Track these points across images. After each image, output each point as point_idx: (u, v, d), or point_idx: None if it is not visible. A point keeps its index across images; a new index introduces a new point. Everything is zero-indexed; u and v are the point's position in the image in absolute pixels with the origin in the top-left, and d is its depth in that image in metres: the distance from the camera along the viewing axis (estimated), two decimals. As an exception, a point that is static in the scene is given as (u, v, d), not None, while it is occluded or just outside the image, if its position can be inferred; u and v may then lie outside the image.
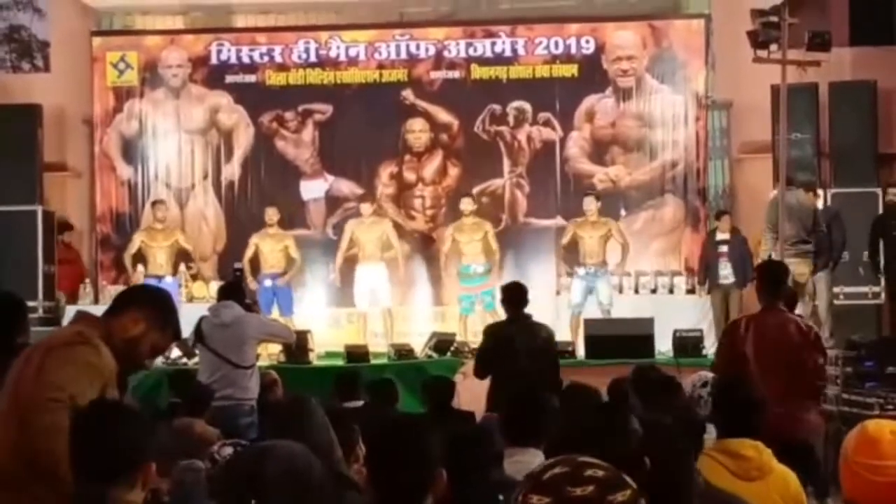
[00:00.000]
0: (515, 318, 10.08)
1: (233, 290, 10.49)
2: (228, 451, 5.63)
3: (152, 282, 15.03)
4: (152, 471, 3.73)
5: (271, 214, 15.91)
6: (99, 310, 15.30)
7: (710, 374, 7.97)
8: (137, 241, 16.03)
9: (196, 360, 11.18)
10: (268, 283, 15.63)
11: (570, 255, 15.58)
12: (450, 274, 15.99)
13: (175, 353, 13.35)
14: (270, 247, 15.80)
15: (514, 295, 10.13)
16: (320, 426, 4.42)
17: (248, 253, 15.88)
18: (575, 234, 15.50)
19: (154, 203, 16.40)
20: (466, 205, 15.81)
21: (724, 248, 15.42)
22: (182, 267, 15.86)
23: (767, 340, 8.23)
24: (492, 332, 10.36)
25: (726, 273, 15.32)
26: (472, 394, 10.88)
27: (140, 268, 15.85)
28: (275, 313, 15.57)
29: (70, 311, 15.46)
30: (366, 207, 16.02)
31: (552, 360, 10.08)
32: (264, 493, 2.71)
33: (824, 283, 14.35)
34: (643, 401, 6.81)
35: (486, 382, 10.16)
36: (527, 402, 5.54)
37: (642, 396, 6.90)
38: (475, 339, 14.30)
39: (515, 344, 9.80)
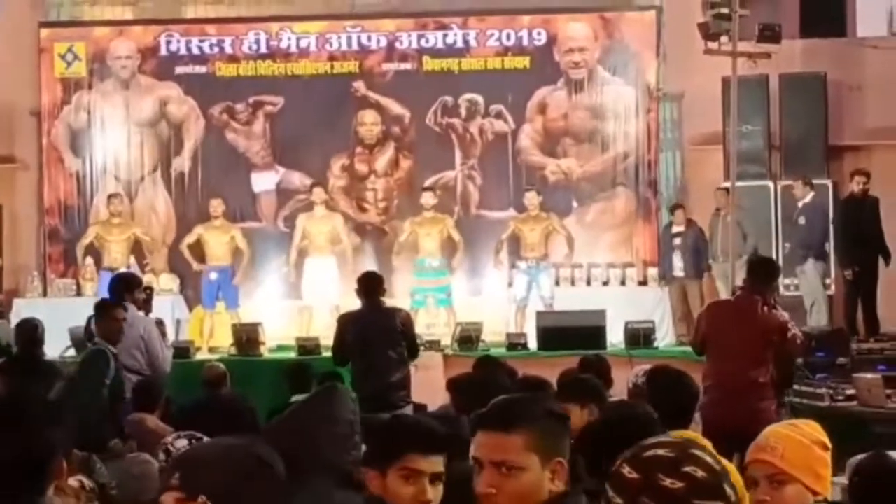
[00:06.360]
0: (369, 307, 10.19)
1: (125, 291, 9.70)
2: (182, 443, 5.58)
3: (106, 274, 14.84)
4: (62, 466, 3.54)
5: (216, 206, 15.86)
6: (46, 303, 15.18)
7: (647, 367, 8.11)
8: (92, 232, 15.94)
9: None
10: (213, 276, 15.55)
11: (512, 248, 15.74)
12: (401, 264, 15.96)
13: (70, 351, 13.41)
14: (216, 239, 15.72)
15: (365, 286, 10.28)
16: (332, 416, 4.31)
17: (190, 239, 15.90)
18: (516, 228, 15.65)
19: (110, 196, 16.26)
20: (427, 199, 15.79)
21: (678, 241, 15.49)
22: (132, 260, 15.72)
23: (729, 326, 8.37)
24: (345, 320, 10.45)
25: (680, 266, 15.42)
26: (424, 387, 10.86)
27: (89, 260, 15.73)
28: (220, 307, 15.52)
29: (18, 305, 15.34)
30: (318, 192, 15.93)
31: (410, 342, 10.28)
32: (194, 468, 2.66)
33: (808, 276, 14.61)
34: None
35: (441, 374, 10.15)
36: (480, 386, 5.51)
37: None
38: (426, 332, 14.35)
39: (371, 332, 10.00)
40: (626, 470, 2.28)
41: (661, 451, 2.29)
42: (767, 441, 3.68)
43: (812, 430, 3.77)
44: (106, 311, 8.86)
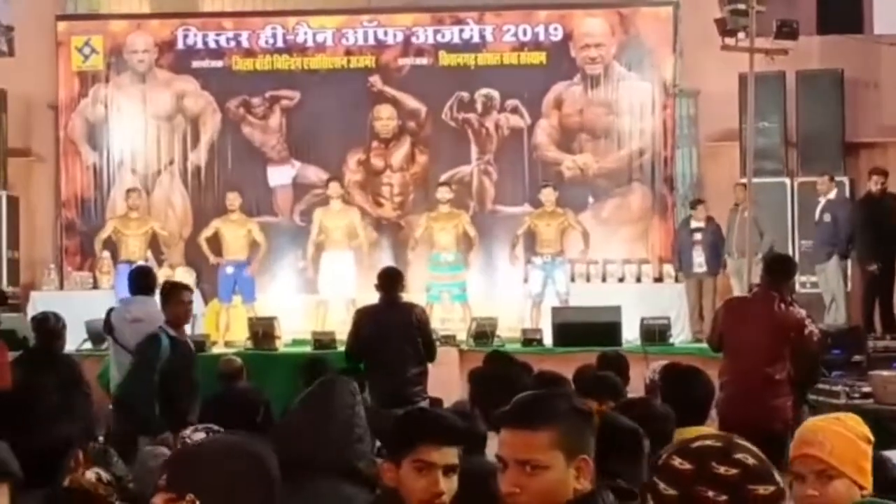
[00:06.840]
0: (387, 302, 10.16)
1: (144, 284, 9.79)
2: (200, 436, 5.58)
3: (123, 268, 14.85)
4: (78, 458, 3.57)
5: (232, 199, 15.87)
6: (63, 296, 15.14)
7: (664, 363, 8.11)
8: (110, 226, 15.98)
9: (106, 344, 11.10)
10: (230, 269, 15.59)
11: (528, 244, 15.79)
12: (417, 259, 15.96)
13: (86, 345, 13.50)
14: (233, 233, 15.74)
15: (384, 281, 10.23)
16: (327, 411, 4.31)
17: (207, 233, 15.93)
18: (532, 223, 15.66)
19: (128, 191, 16.30)
20: (443, 193, 15.81)
21: (699, 237, 15.44)
22: (149, 254, 15.74)
23: (746, 323, 8.35)
24: (361, 315, 10.39)
25: (700, 261, 15.36)
26: (439, 381, 10.86)
27: (106, 253, 15.78)
28: (236, 301, 15.54)
29: (35, 298, 15.37)
30: (334, 187, 15.91)
31: (426, 338, 10.15)
32: (181, 467, 2.69)
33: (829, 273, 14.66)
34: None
35: (457, 369, 10.15)
36: (496, 380, 5.51)
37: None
38: (441, 326, 14.34)
39: (387, 327, 9.90)
40: (678, 461, 2.33)
41: (709, 442, 2.37)
42: (815, 436, 3.66)
43: (855, 423, 3.76)
44: (174, 294, 8.81)
